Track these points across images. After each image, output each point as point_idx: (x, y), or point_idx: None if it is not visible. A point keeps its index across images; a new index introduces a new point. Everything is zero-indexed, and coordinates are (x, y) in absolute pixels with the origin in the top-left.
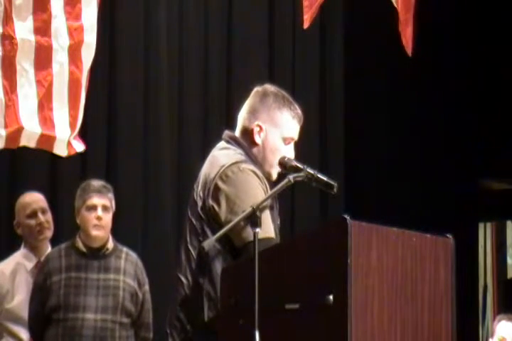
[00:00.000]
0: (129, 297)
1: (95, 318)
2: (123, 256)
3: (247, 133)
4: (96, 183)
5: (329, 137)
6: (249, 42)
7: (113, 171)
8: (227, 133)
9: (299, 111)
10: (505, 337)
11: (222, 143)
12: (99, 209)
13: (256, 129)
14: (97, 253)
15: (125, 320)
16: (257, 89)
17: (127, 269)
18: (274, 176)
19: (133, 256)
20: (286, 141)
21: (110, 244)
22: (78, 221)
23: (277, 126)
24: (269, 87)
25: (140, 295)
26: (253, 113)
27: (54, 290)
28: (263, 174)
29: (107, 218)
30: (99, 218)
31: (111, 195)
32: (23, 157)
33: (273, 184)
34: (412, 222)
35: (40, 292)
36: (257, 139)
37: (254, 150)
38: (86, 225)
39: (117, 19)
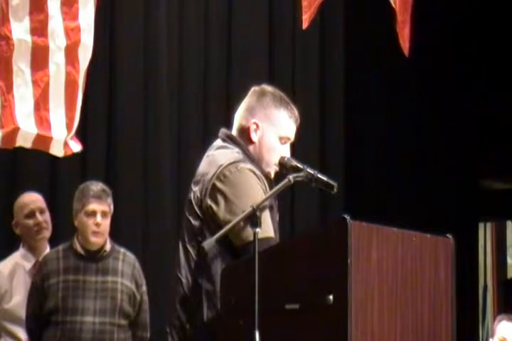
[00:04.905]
0: (127, 298)
1: (94, 321)
2: (120, 257)
3: (244, 131)
4: (95, 187)
5: (329, 137)
6: (249, 43)
7: (113, 171)
8: (223, 131)
9: (296, 112)
10: (506, 338)
11: (218, 142)
12: (98, 216)
13: (252, 127)
14: (94, 255)
15: (123, 321)
16: (254, 88)
17: (125, 270)
18: (272, 175)
19: (130, 257)
20: (282, 140)
21: (108, 246)
22: (76, 224)
23: (274, 124)
24: (267, 87)
25: (138, 296)
26: (250, 111)
27: (52, 292)
28: (261, 172)
29: (106, 224)
30: (98, 224)
31: (110, 200)
32: (23, 157)
33: (272, 183)
34: (412, 222)
35: (37, 293)
36: (254, 137)
37: (251, 148)
38: (85, 231)
39: (117, 19)
